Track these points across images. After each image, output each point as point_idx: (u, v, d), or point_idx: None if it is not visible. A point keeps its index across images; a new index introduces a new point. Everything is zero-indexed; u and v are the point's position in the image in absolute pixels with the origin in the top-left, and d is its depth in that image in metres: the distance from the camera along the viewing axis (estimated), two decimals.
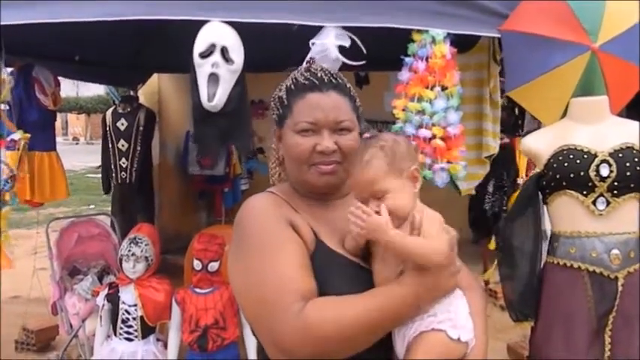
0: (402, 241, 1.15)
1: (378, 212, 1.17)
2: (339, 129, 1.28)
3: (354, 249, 1.25)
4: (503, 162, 4.18)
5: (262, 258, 1.19)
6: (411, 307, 1.16)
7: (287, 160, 1.35)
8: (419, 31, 2.54)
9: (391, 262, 1.20)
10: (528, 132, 3.61)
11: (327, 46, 2.35)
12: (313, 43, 2.42)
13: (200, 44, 2.47)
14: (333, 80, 1.33)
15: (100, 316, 3.11)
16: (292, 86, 1.34)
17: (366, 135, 1.29)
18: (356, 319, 1.11)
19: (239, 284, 1.23)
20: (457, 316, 1.22)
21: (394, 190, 1.20)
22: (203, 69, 2.49)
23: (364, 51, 2.45)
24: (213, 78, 2.50)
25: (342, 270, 1.23)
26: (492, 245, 2.77)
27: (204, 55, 2.46)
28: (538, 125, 3.41)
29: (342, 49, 2.42)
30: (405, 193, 1.21)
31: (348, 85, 1.37)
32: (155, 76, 6.02)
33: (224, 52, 2.45)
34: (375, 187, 1.20)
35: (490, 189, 3.98)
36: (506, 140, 4.29)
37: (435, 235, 1.17)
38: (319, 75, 1.33)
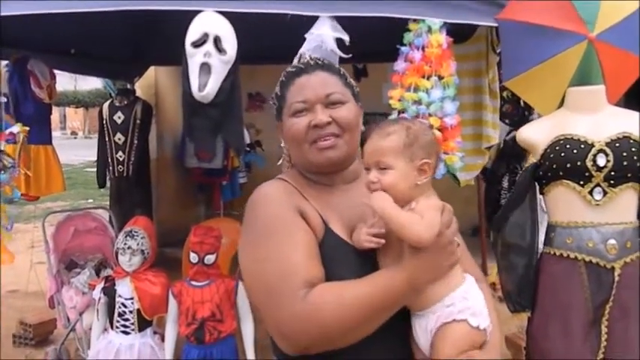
0: (396, 212, 1.18)
1: (374, 182, 1.22)
2: (331, 103, 1.31)
3: None
4: (515, 155, 4.13)
5: (271, 244, 1.21)
6: (410, 289, 1.18)
7: (289, 145, 1.38)
8: (415, 20, 2.52)
9: (393, 248, 1.22)
10: None
11: (323, 37, 2.32)
12: (311, 34, 2.38)
13: (193, 33, 2.44)
14: (320, 62, 1.38)
15: (97, 310, 3.11)
16: (284, 78, 1.39)
17: (403, 115, 1.31)
18: (356, 303, 1.13)
19: (247, 269, 1.26)
20: (474, 303, 1.24)
21: (397, 170, 1.22)
22: (195, 58, 2.46)
23: (347, 42, 2.42)
24: (205, 68, 2.47)
25: (349, 258, 1.25)
26: None
27: (197, 45, 2.44)
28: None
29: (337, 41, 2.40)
30: (405, 179, 1.22)
31: (337, 66, 1.40)
32: (152, 68, 6.00)
33: (217, 41, 2.42)
34: (382, 157, 1.23)
35: (505, 184, 3.95)
36: (515, 133, 4.25)
37: (424, 213, 1.19)
38: (306, 61, 1.39)
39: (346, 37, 2.40)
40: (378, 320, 1.17)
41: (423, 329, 1.24)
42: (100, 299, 3.08)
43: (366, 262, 1.24)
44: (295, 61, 2.43)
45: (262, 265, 1.21)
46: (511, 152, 3.89)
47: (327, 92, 1.32)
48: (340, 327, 1.14)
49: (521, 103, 4.02)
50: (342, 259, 1.25)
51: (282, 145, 1.45)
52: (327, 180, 1.35)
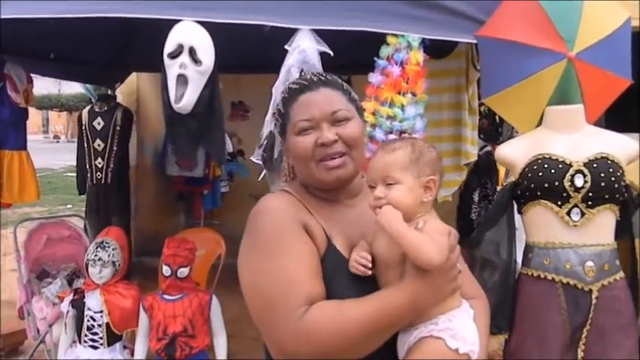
0: (407, 231, 1.17)
1: (380, 198, 1.22)
2: (337, 120, 1.31)
3: None
4: (487, 170, 4.16)
5: (272, 258, 1.21)
6: (410, 311, 1.18)
7: (295, 163, 1.38)
8: (394, 34, 2.49)
9: (395, 268, 1.22)
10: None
11: (307, 51, 2.29)
12: (295, 47, 2.35)
13: (169, 44, 2.41)
14: (323, 78, 1.37)
15: (65, 323, 3.02)
16: (286, 95, 1.38)
17: (405, 135, 1.33)
18: (355, 323, 1.13)
19: (247, 282, 1.25)
20: (459, 327, 1.23)
21: (405, 185, 1.22)
22: (172, 70, 2.43)
23: (331, 53, 2.40)
24: (182, 79, 2.44)
25: (350, 275, 1.24)
26: None
27: (173, 56, 2.41)
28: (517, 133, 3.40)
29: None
30: (411, 194, 1.23)
31: (340, 81, 1.40)
32: (134, 75, 5.92)
33: (192, 52, 2.39)
34: (389, 172, 1.23)
35: (476, 198, 3.96)
36: (489, 148, 4.27)
37: (434, 236, 1.18)
38: (309, 77, 1.38)
39: (329, 50, 2.38)
40: (377, 341, 1.17)
41: (404, 343, 1.24)
42: (68, 312, 2.99)
43: (367, 280, 1.23)
44: (282, 74, 2.40)
45: (263, 279, 1.20)
46: (484, 167, 3.90)
47: (333, 110, 1.32)
48: (338, 346, 1.13)
49: (497, 119, 4.04)
50: (343, 275, 1.24)
51: (284, 158, 1.45)
52: (332, 195, 1.35)
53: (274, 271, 1.19)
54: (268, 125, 2.48)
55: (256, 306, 1.22)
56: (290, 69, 2.40)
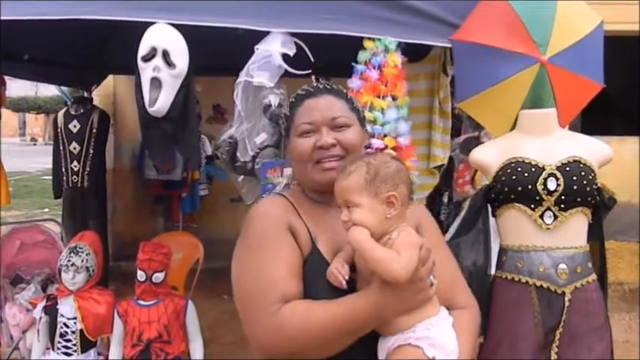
0: (372, 247, 1.21)
1: (346, 221, 1.26)
2: (337, 126, 1.38)
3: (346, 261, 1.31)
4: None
5: (255, 258, 1.29)
6: (374, 318, 1.22)
7: (295, 163, 1.46)
8: (370, 38, 2.50)
9: (370, 277, 1.24)
10: (467, 139, 3.62)
11: (271, 52, 2.29)
12: (258, 49, 2.35)
13: (142, 47, 2.39)
14: (327, 86, 1.45)
15: (38, 330, 2.96)
16: (293, 99, 1.46)
17: (369, 150, 1.34)
18: (321, 323, 1.20)
19: (234, 281, 1.33)
20: (437, 336, 1.25)
21: (363, 207, 1.26)
22: (145, 73, 2.42)
23: (312, 59, 2.40)
24: (155, 82, 2.42)
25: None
26: None
27: (146, 59, 2.39)
28: (478, 132, 3.43)
29: (289, 58, 2.35)
30: (372, 214, 1.25)
31: (345, 91, 1.48)
32: (111, 77, 5.85)
33: (165, 55, 2.37)
34: (347, 197, 1.27)
35: (445, 200, 3.99)
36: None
37: (402, 251, 1.20)
38: (315, 85, 1.47)
39: (292, 52, 2.37)
40: (342, 341, 1.22)
41: (383, 347, 1.27)
42: (40, 319, 2.94)
43: (347, 282, 1.27)
44: (242, 72, 2.39)
45: (246, 279, 1.29)
46: (449, 168, 3.92)
47: (334, 115, 1.39)
48: (305, 343, 1.20)
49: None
50: (322, 277, 1.28)
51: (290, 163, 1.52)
52: (326, 198, 1.39)
53: (256, 271, 1.27)
54: (234, 129, 2.47)
55: (239, 303, 1.30)
56: (249, 67, 2.42)
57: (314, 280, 1.28)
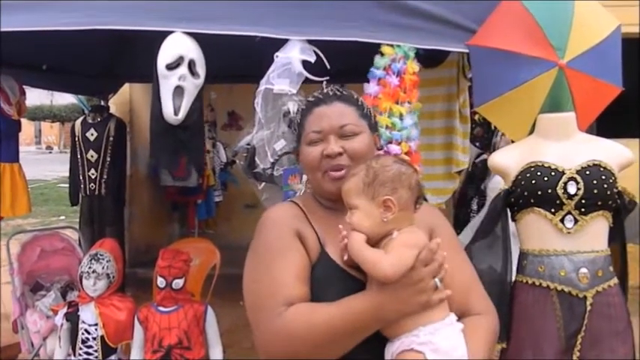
0: (363, 250, 1.23)
1: (349, 224, 1.29)
2: (345, 134, 1.39)
3: (352, 262, 1.30)
4: (484, 178, 4.16)
5: (262, 265, 1.31)
6: (373, 320, 1.21)
7: (305, 171, 1.48)
8: (389, 44, 2.50)
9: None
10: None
11: (291, 59, 2.31)
12: (277, 56, 2.37)
13: (167, 56, 2.40)
14: (338, 93, 1.45)
15: (59, 336, 2.99)
16: (304, 107, 1.48)
17: (378, 152, 1.42)
18: (322, 325, 1.20)
19: (245, 288, 1.35)
20: (441, 341, 1.23)
21: (360, 210, 1.28)
22: (169, 81, 2.43)
23: (328, 66, 2.41)
24: (179, 91, 2.44)
25: (340, 282, 1.30)
26: None
27: (171, 67, 2.40)
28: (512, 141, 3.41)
29: (306, 64, 2.37)
30: (368, 217, 1.27)
31: (355, 96, 1.48)
32: (127, 85, 5.91)
33: (191, 65, 2.39)
34: (348, 199, 1.30)
35: (474, 206, 3.97)
36: (485, 156, 4.28)
37: (394, 249, 1.21)
38: (325, 91, 1.46)
39: (312, 59, 2.39)
40: (345, 343, 1.22)
41: (389, 352, 1.26)
42: (62, 325, 2.97)
43: (356, 285, 1.27)
44: (263, 80, 2.41)
45: (255, 285, 1.31)
46: (480, 175, 3.92)
47: (342, 124, 1.39)
48: (308, 345, 1.20)
49: (492, 127, 4.05)
50: (333, 281, 1.30)
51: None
52: (339, 205, 1.39)
53: (263, 274, 1.30)
54: (252, 136, 2.49)
55: (249, 308, 1.32)
56: (269, 75, 2.44)
57: (324, 284, 1.29)
